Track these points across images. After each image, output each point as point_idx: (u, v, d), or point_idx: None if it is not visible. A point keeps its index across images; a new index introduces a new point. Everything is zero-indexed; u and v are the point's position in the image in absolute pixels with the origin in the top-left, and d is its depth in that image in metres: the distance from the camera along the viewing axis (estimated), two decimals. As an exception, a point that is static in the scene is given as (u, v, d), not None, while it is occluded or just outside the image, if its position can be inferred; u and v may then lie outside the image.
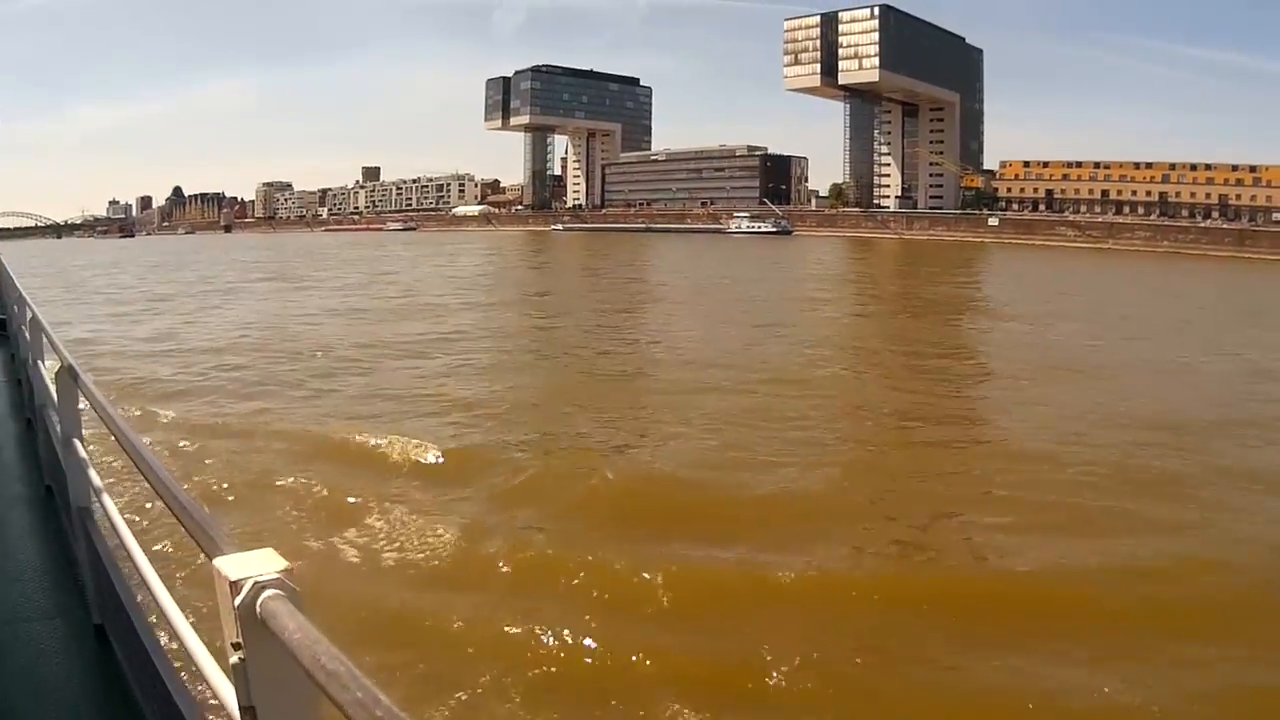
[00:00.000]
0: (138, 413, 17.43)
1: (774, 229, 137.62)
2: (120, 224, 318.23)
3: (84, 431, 3.88)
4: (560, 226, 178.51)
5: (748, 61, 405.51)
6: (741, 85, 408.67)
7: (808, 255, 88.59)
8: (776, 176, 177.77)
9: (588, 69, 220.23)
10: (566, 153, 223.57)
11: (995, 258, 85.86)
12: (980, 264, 77.35)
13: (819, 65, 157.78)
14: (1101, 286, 54.44)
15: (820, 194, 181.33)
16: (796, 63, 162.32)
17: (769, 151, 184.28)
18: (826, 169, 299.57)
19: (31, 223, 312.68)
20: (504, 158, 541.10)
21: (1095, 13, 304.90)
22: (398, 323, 33.83)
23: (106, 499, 3.25)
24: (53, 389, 5.23)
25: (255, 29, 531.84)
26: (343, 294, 47.84)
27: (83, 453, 3.78)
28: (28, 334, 7.24)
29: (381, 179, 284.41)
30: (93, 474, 3.54)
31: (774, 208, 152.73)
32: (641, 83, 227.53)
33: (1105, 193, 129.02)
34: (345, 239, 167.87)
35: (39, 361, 6.28)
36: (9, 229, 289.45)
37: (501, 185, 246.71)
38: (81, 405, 3.94)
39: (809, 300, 43.13)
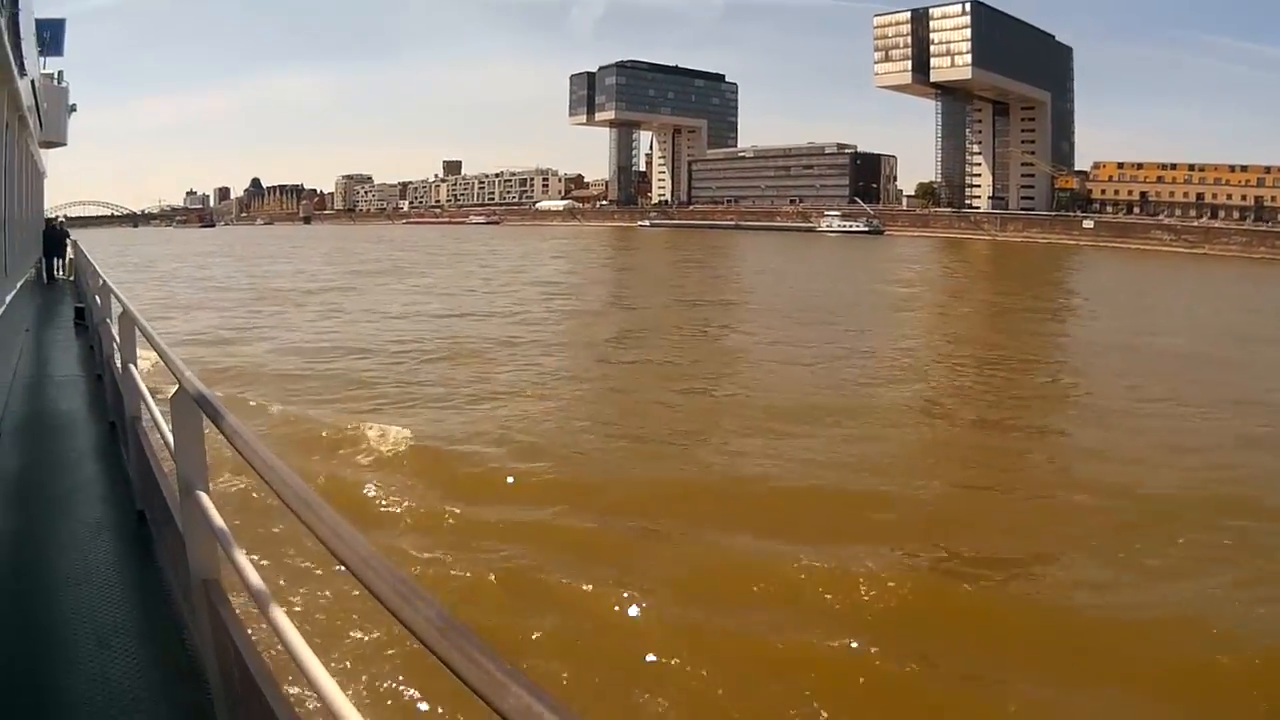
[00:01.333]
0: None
1: (865, 229, 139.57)
2: (199, 214, 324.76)
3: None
4: (648, 223, 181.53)
5: (830, 59, 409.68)
6: (822, 83, 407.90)
7: (904, 255, 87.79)
8: (866, 175, 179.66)
9: (673, 64, 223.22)
10: (651, 148, 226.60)
11: (1098, 262, 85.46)
12: (1086, 269, 76.42)
13: (910, 62, 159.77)
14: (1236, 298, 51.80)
15: (907, 194, 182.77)
16: (887, 59, 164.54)
17: (858, 149, 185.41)
18: (914, 168, 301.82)
19: (108, 212, 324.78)
20: (586, 153, 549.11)
21: (1171, 9, 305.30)
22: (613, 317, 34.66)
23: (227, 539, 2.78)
24: (146, 393, 5.14)
25: (327, 23, 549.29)
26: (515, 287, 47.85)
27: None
28: (116, 331, 6.58)
29: (463, 173, 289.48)
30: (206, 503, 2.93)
31: (865, 207, 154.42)
32: (726, 79, 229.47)
33: (1200, 196, 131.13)
34: (433, 231, 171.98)
35: (130, 364, 5.80)
36: (86, 217, 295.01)
37: (585, 180, 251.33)
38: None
39: (939, 315, 40.15)
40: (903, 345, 28.06)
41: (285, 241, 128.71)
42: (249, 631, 2.81)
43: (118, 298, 7.04)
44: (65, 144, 28.36)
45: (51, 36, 25.31)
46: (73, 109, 28.41)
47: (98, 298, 10.00)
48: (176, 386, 3.23)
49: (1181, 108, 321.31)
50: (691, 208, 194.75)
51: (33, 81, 14.32)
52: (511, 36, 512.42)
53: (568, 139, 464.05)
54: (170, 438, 3.42)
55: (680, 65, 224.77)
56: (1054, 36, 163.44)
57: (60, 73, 27.52)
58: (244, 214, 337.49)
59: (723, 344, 28.30)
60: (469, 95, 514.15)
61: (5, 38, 9.49)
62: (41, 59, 22.51)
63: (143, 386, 5.31)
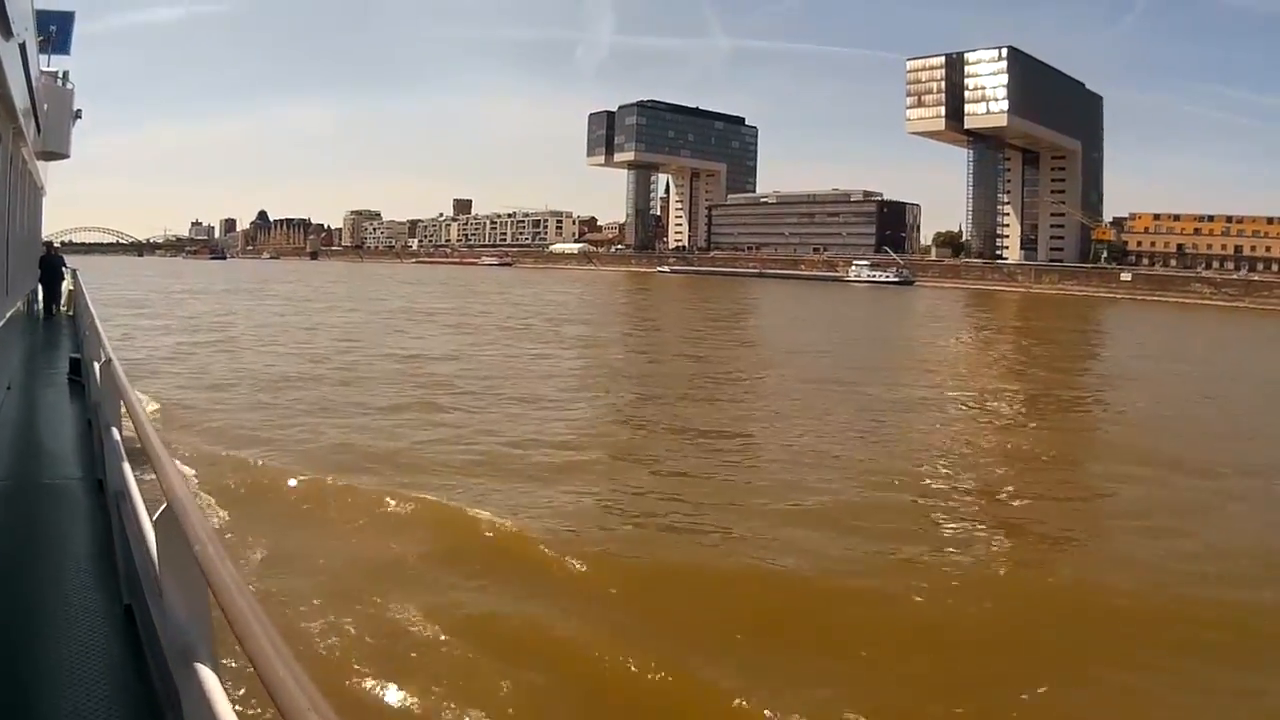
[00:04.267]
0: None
1: (896, 279, 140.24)
2: (210, 245, 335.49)
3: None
4: (667, 269, 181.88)
5: (843, 104, 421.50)
6: (834, 127, 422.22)
7: (948, 313, 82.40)
8: (892, 223, 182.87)
9: (693, 106, 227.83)
10: (668, 191, 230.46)
11: (1147, 317, 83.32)
12: (1144, 325, 72.37)
13: (943, 108, 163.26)
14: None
15: (925, 242, 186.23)
16: (920, 104, 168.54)
17: (884, 197, 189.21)
18: (933, 216, 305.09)
19: (113, 239, 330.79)
20: (597, 194, 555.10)
21: (1175, 60, 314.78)
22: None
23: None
24: (126, 467, 5.19)
25: (334, 57, 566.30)
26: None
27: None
28: (99, 378, 6.97)
29: (474, 211, 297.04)
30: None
31: (895, 256, 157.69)
32: (746, 122, 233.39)
33: (1239, 248, 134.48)
34: (449, 272, 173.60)
35: (111, 427, 6.15)
36: (89, 244, 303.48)
37: (598, 223, 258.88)
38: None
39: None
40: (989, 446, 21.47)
41: (324, 276, 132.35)
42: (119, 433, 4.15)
43: (93, 318, 8.26)
44: (68, 156, 25.47)
45: (58, 30, 23.38)
46: (77, 115, 26.01)
47: (83, 319, 10.70)
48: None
49: (1203, 156, 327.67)
50: (713, 254, 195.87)
51: (29, 78, 12.48)
52: (517, 74, 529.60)
53: (578, 180, 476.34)
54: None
55: (700, 107, 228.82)
56: (1084, 85, 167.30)
57: (65, 73, 24.87)
58: (250, 247, 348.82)
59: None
60: (477, 132, 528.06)
61: None
62: (45, 56, 20.81)
63: (121, 390, 5.89)
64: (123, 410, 5.82)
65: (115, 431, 6.30)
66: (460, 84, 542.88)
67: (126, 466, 3.89)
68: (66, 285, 26.75)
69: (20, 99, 11.22)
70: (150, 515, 3.21)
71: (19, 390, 12.29)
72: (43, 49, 19.26)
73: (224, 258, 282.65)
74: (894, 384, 29.45)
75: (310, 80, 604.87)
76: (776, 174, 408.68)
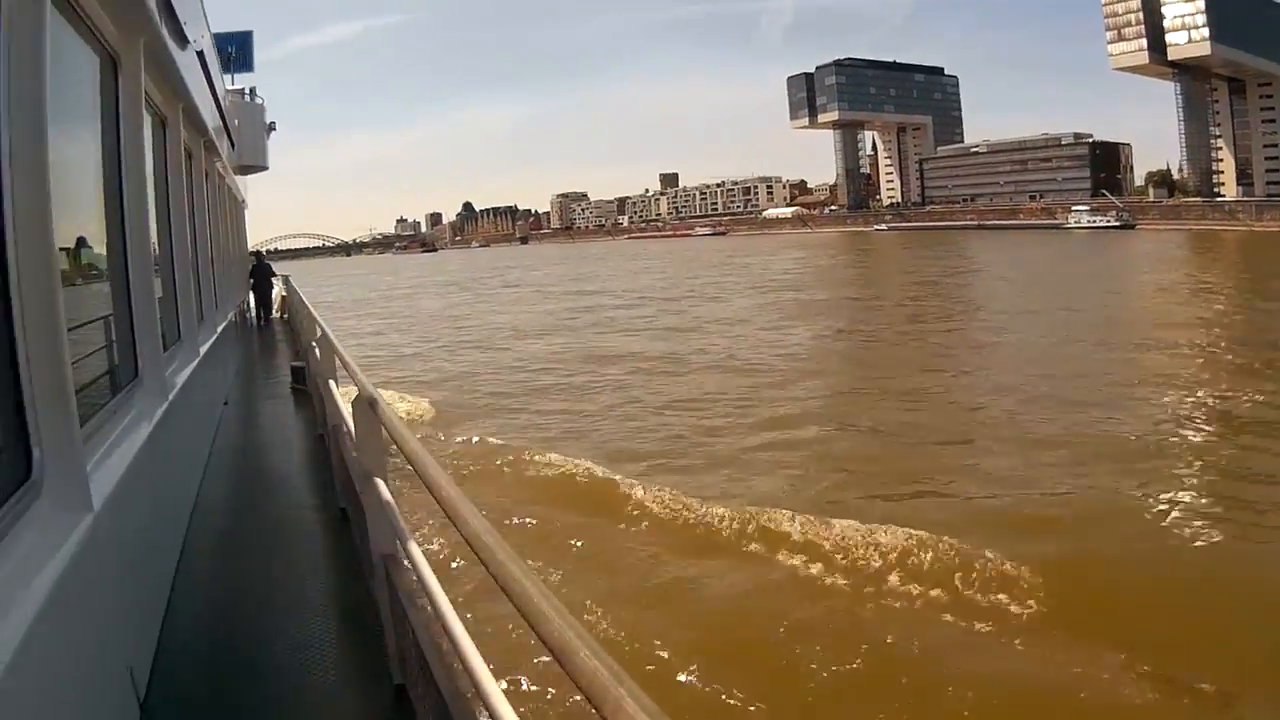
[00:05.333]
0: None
1: (1116, 223, 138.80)
2: (420, 240, 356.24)
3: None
4: (884, 226, 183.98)
5: (1035, 46, 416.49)
6: (1027, 73, 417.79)
7: (1182, 257, 74.66)
8: (1106, 165, 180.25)
9: (890, 60, 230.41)
10: (875, 149, 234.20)
11: None
12: None
13: (1144, 40, 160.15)
14: None
15: (1136, 183, 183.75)
16: (1120, 39, 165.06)
17: (1093, 138, 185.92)
18: (1142, 156, 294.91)
19: (319, 243, 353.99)
20: (802, 158, 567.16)
21: None
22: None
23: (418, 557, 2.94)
24: (341, 403, 5.96)
25: (518, 51, 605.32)
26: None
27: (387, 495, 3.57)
28: (318, 353, 8.26)
29: (682, 184, 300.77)
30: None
31: (1114, 199, 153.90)
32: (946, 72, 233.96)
33: None
34: (666, 245, 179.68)
35: (330, 380, 7.08)
36: (297, 249, 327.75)
37: (808, 186, 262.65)
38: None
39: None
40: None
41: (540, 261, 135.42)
42: (418, 600, 3.40)
43: (319, 323, 8.62)
44: (266, 167, 26.55)
45: (238, 49, 24.70)
46: (271, 128, 26.87)
47: (305, 324, 11.94)
48: (356, 392, 4.07)
49: None
50: (928, 208, 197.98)
51: (214, 92, 12.48)
52: (703, 50, 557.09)
53: (783, 145, 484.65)
54: (319, 356, 4.93)
55: (897, 60, 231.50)
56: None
57: (253, 89, 25.65)
58: (458, 238, 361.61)
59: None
60: (671, 109, 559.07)
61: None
62: (229, 75, 21.50)
63: (340, 400, 6.18)
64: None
65: (329, 381, 6.98)
66: (648, 66, 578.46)
67: (382, 486, 3.54)
68: (278, 292, 27.72)
69: (208, 114, 11.11)
70: (416, 554, 2.98)
71: (239, 404, 12.33)
72: (226, 68, 19.66)
73: (434, 250, 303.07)
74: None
75: (497, 76, 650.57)
76: (979, 123, 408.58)
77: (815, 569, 11.33)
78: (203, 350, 8.89)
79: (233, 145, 18.33)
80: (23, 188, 2.87)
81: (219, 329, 11.93)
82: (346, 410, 5.59)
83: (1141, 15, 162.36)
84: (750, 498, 14.09)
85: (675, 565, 11.74)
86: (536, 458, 16.87)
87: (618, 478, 15.17)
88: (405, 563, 3.60)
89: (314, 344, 9.62)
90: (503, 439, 18.71)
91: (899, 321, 38.46)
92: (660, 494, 14.04)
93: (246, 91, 25.20)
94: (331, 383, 6.88)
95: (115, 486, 3.68)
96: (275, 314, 27.14)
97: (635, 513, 13.62)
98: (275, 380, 14.53)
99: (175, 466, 6.27)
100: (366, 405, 3.82)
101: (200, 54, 9.47)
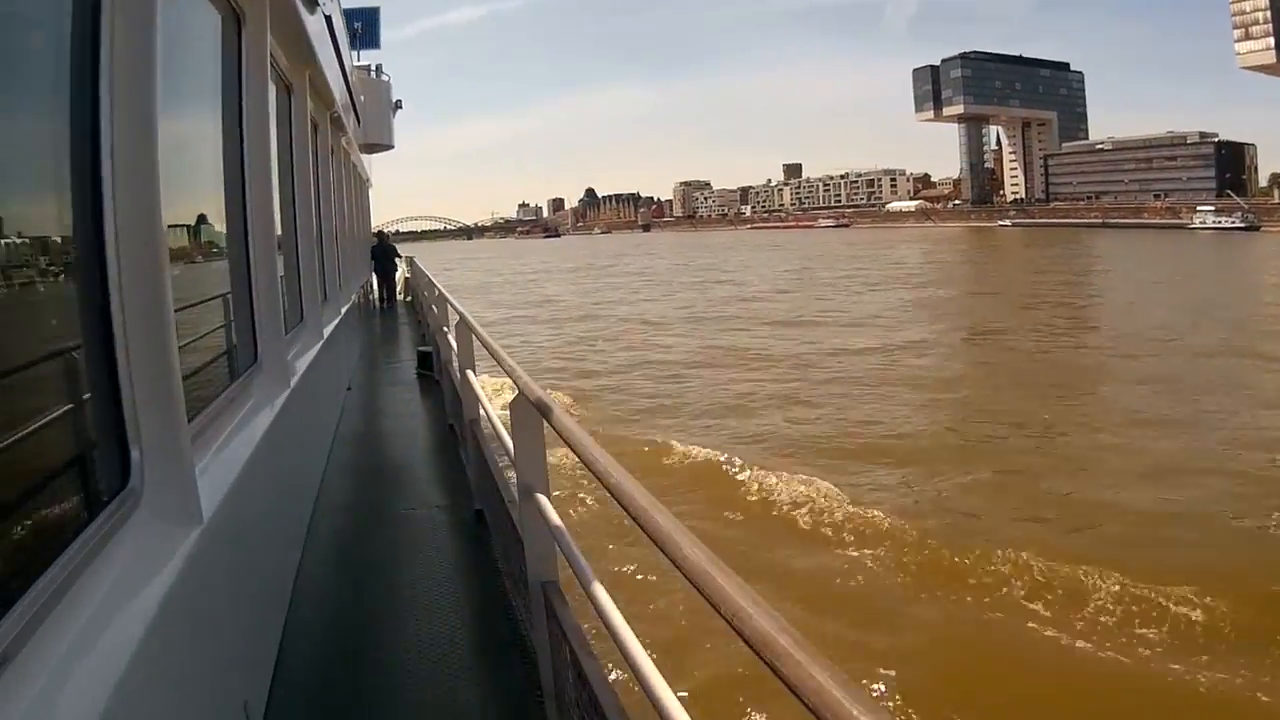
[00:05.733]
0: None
1: (1241, 224, 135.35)
2: (543, 225, 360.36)
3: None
4: (1008, 222, 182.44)
5: (1162, 43, 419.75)
6: (1149, 70, 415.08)
7: None
8: (1231, 165, 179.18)
9: (1016, 54, 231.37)
10: (999, 144, 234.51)
11: None
12: None
13: (1272, 39, 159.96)
14: None
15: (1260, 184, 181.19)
16: (1247, 37, 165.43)
17: (1218, 138, 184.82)
18: (1268, 156, 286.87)
19: (441, 226, 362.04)
20: (924, 151, 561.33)
21: None
22: None
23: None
24: (484, 398, 5.81)
25: (642, 39, 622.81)
26: None
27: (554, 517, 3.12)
28: (453, 339, 7.79)
29: (805, 175, 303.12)
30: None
31: (1239, 200, 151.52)
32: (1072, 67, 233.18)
33: None
34: (788, 236, 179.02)
35: (468, 370, 6.64)
36: (419, 231, 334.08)
37: (931, 180, 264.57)
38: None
39: None
40: None
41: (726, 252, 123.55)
42: (585, 633, 3.06)
43: (454, 306, 8.01)
44: (392, 146, 25.98)
45: (364, 26, 24.04)
46: (398, 106, 26.27)
47: (434, 307, 11.28)
48: (516, 393, 3.55)
49: None
50: (1053, 205, 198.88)
51: (344, 71, 11.90)
52: (827, 40, 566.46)
53: (905, 137, 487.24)
54: (509, 442, 3.84)
55: (1022, 55, 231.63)
56: None
57: (379, 66, 25.06)
58: (579, 223, 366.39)
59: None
60: (794, 98, 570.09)
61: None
62: (355, 52, 20.85)
63: (481, 392, 6.04)
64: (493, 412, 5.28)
65: (467, 371, 6.61)
66: (771, 54, 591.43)
67: (545, 504, 3.15)
68: (402, 273, 27.15)
69: (335, 85, 10.51)
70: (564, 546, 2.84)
71: (363, 390, 11.98)
72: (352, 44, 18.90)
73: (557, 235, 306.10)
74: None
75: (620, 62, 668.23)
76: (1102, 120, 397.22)
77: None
78: (326, 333, 8.52)
79: (358, 121, 17.98)
80: (129, 155, 2.53)
81: (342, 311, 11.44)
82: (490, 406, 5.55)
83: (1269, 14, 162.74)
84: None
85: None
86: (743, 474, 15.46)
87: (871, 512, 13.59)
88: (573, 593, 3.17)
89: (446, 329, 9.50)
90: (699, 447, 17.20)
91: (1052, 326, 35.94)
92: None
93: (372, 69, 24.93)
94: (470, 373, 6.55)
95: (228, 491, 3.26)
96: (399, 295, 26.84)
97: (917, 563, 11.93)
98: (399, 365, 14.29)
99: (296, 461, 5.94)
100: (532, 409, 3.36)
101: (328, 20, 9.17)
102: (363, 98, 18.96)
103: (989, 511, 14.16)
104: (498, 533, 5.48)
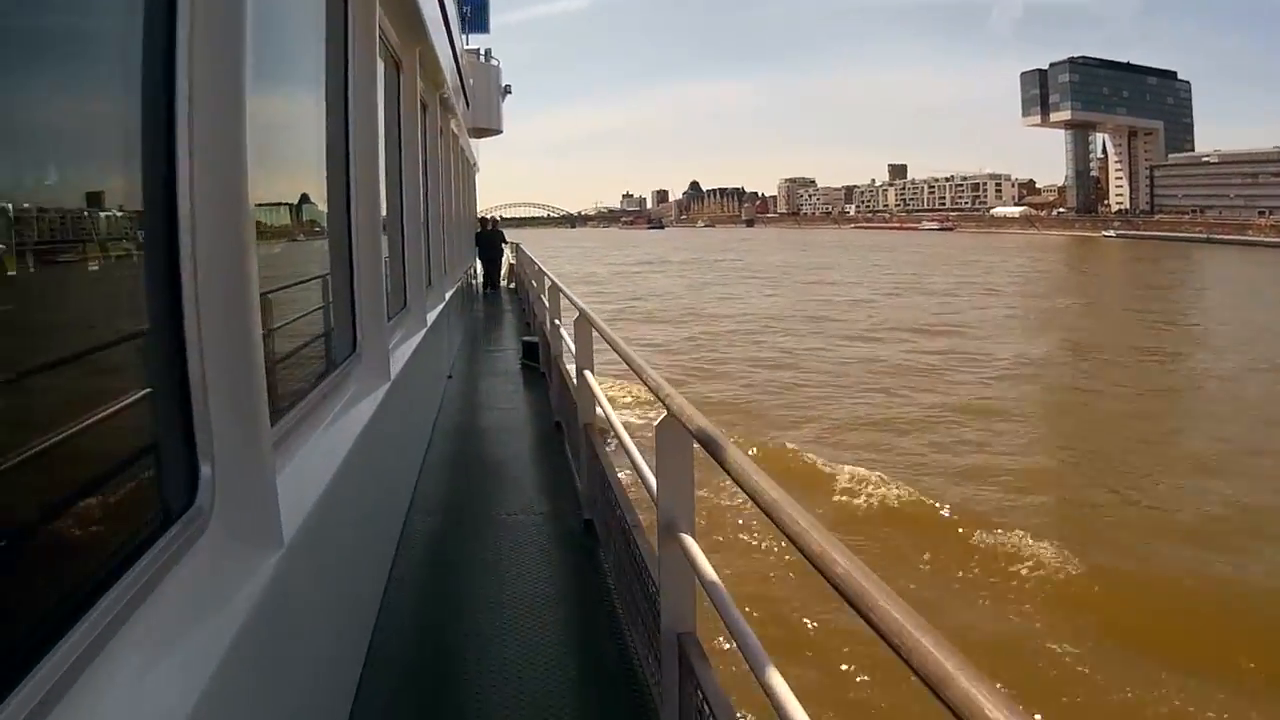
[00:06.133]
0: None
1: None
2: (646, 216, 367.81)
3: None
4: (1112, 233, 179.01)
5: (1272, 55, 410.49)
6: (1259, 81, 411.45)
7: None
8: None
9: (1124, 61, 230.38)
10: (1105, 152, 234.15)
11: None
12: None
13: None
14: None
15: None
16: None
17: None
18: None
19: (544, 213, 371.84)
20: (1028, 156, 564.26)
21: None
22: None
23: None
24: (607, 404, 5.37)
25: (747, 33, 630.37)
26: None
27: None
28: (569, 336, 7.09)
29: (910, 176, 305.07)
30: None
31: None
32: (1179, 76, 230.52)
33: None
34: (896, 238, 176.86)
35: (586, 371, 6.23)
36: (521, 218, 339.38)
37: (1036, 186, 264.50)
38: None
39: None
40: None
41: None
42: (727, 697, 2.70)
43: (571, 300, 7.30)
44: (500, 131, 25.78)
45: (474, 9, 24.17)
46: (507, 91, 25.90)
47: (544, 298, 10.87)
48: (664, 413, 3.10)
49: None
50: (1157, 217, 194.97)
51: (455, 51, 11.66)
52: (933, 40, 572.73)
53: (1007, 142, 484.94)
54: (636, 453, 3.74)
55: (1130, 62, 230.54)
56: None
57: (489, 50, 25.02)
58: (683, 216, 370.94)
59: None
60: (898, 97, 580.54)
61: None
62: (464, 36, 20.58)
63: (602, 395, 5.57)
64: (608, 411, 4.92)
65: (585, 372, 6.20)
66: (877, 53, 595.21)
67: (692, 545, 2.79)
68: (507, 259, 27.28)
69: (446, 64, 10.11)
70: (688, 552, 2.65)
71: (465, 379, 11.54)
72: (461, 27, 18.37)
73: (661, 227, 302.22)
74: None
75: (725, 55, 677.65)
76: (1206, 131, 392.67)
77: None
78: (430, 319, 8.24)
79: (468, 104, 17.56)
80: (210, 127, 2.22)
81: (446, 297, 10.92)
82: (613, 413, 5.11)
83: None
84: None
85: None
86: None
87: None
88: (712, 645, 3.01)
89: (558, 322, 9.28)
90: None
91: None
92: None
93: (481, 53, 24.67)
94: (589, 374, 6.04)
95: (316, 503, 2.90)
96: (503, 283, 26.52)
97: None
98: (502, 353, 13.94)
99: (392, 461, 5.55)
100: (686, 435, 2.91)
101: None
102: (471, 81, 18.99)
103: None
104: (609, 548, 5.17)
